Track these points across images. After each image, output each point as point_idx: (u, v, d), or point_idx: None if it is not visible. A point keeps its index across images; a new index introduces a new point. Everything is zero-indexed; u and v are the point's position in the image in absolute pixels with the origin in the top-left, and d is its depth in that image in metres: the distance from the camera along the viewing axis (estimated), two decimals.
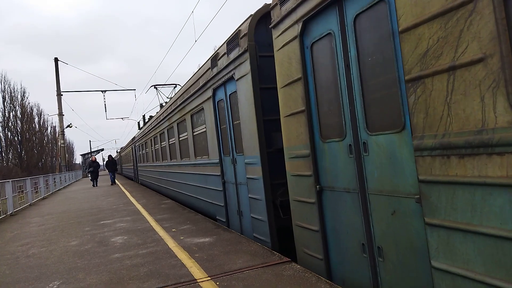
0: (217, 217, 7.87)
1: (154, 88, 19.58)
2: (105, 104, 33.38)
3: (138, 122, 27.04)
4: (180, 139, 10.65)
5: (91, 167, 25.48)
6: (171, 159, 12.47)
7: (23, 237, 8.31)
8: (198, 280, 4.26)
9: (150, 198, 14.01)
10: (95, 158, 26.25)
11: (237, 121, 6.10)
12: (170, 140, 12.34)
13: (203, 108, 7.89)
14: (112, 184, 24.70)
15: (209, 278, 4.30)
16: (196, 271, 4.59)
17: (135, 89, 36.62)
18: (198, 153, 8.79)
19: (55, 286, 4.64)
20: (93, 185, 24.97)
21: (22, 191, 16.28)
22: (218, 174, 7.28)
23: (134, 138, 25.78)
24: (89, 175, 26.36)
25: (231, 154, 6.62)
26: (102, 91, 33.12)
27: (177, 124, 10.76)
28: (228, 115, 6.51)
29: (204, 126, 8.04)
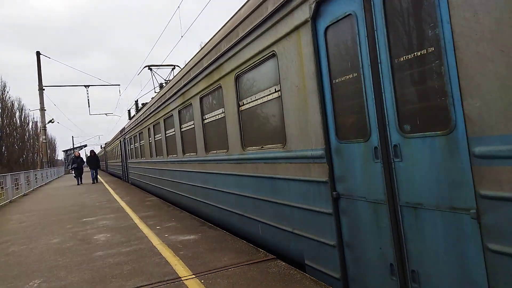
0: (306, 262, 4.23)
1: (148, 69, 16.83)
2: (88, 99, 32.83)
3: (129, 111, 23.06)
4: (206, 121, 7.12)
5: (74, 163, 23.31)
6: (184, 154, 8.85)
7: (2, 235, 8.10)
8: (182, 278, 4.22)
9: (134, 195, 13.85)
10: (79, 153, 24.01)
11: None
12: (183, 127, 8.84)
13: (273, 55, 4.47)
14: (93, 183, 22.86)
15: (193, 276, 4.27)
16: (181, 269, 4.54)
17: (119, 85, 36.18)
18: (251, 141, 5.30)
19: (35, 284, 4.54)
20: (78, 183, 22.98)
21: (2, 188, 15.91)
22: (319, 179, 3.81)
23: (123, 129, 21.92)
24: (73, 172, 24.06)
25: (373, 137, 3.11)
26: (85, 86, 32.56)
27: (200, 99, 7.19)
28: (376, 45, 2.99)
29: (271, 90, 4.60)
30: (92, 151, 23.75)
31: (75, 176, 23.69)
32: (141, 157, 15.47)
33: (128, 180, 21.59)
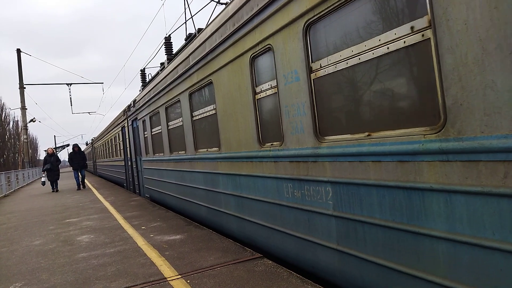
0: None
1: None
2: (70, 98, 32.28)
3: (142, 71, 13.28)
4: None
5: (47, 163, 17.41)
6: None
7: None
8: (168, 279, 4.17)
9: (119, 196, 13.67)
10: (53, 150, 18.07)
11: None
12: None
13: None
14: (79, 189, 17.71)
15: (179, 276, 4.23)
16: (166, 269, 4.50)
17: (102, 83, 35.55)
18: None
19: (17, 287, 4.43)
20: (53, 190, 17.65)
21: None
22: None
23: (132, 105, 12.82)
24: (44, 175, 18.02)
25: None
26: (67, 84, 31.97)
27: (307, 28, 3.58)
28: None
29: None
30: (76, 146, 18.01)
31: (43, 183, 18.33)
32: (181, 150, 7.83)
33: (142, 192, 12.80)
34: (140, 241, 6.07)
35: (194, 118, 6.89)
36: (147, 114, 10.49)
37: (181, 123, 7.60)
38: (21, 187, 25.58)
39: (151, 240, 6.09)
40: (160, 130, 9.33)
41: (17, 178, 24.98)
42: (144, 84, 12.44)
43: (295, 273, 3.97)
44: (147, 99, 10.23)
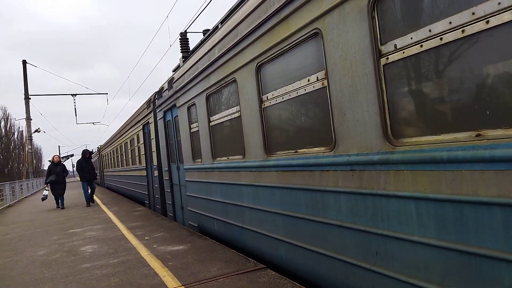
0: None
1: None
2: (75, 109, 32.53)
3: (183, 34, 8.27)
4: None
5: (52, 173, 14.38)
6: None
7: None
8: None
9: (122, 205, 13.68)
10: (59, 157, 15.31)
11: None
12: None
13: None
14: (88, 205, 14.49)
15: (182, 287, 4.22)
16: (170, 280, 4.49)
17: (107, 93, 35.83)
18: None
19: None
20: (57, 206, 14.82)
21: None
22: None
23: (166, 87, 8.67)
24: (47, 188, 15.23)
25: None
26: (72, 94, 32.26)
27: None
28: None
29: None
30: (86, 152, 14.84)
31: (44, 198, 15.77)
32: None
33: (181, 216, 8.80)
34: (144, 252, 6.07)
35: (388, 60, 2.68)
36: (202, 92, 6.40)
37: (317, 86, 3.52)
38: (25, 197, 25.65)
39: (155, 250, 6.09)
40: (234, 115, 5.36)
41: (21, 188, 25.09)
42: (187, 54, 8.11)
43: (298, 284, 3.96)
44: (202, 67, 6.20)
